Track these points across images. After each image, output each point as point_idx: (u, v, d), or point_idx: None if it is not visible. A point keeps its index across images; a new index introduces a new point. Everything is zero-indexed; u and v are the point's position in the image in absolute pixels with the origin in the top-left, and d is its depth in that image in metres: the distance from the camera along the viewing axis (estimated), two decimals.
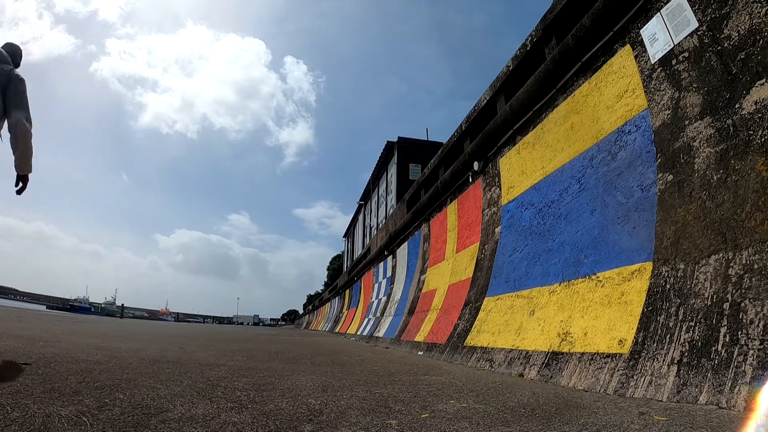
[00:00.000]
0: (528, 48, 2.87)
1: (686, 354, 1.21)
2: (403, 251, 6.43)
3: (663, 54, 1.72)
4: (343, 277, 15.40)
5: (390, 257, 7.29)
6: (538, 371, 1.81)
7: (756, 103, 1.29)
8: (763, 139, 1.25)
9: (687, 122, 1.55)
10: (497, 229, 3.06)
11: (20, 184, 1.92)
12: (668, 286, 1.41)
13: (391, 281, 6.84)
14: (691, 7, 1.59)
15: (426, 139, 17.04)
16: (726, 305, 1.17)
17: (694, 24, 1.57)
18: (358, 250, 19.85)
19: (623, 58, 1.97)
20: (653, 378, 1.26)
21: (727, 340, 1.11)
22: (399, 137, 16.08)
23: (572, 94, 2.35)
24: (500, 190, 3.17)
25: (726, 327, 1.14)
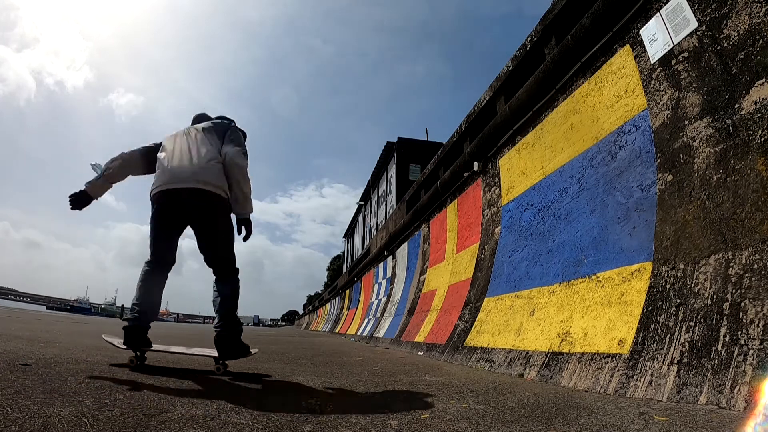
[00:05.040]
0: (527, 48, 2.87)
1: (686, 354, 1.21)
2: (403, 251, 6.43)
3: (662, 54, 1.72)
4: (343, 277, 15.40)
5: (390, 257, 7.29)
6: (538, 371, 1.81)
7: (756, 102, 1.29)
8: (762, 139, 1.25)
9: (687, 122, 1.55)
10: (497, 230, 3.06)
11: (243, 230, 1.84)
12: (668, 286, 1.41)
13: (391, 282, 6.83)
14: (691, 8, 1.59)
15: (426, 139, 17.05)
16: (726, 305, 1.17)
17: (694, 24, 1.57)
18: (358, 251, 19.86)
19: (623, 58, 1.97)
20: (653, 378, 1.26)
21: (727, 340, 1.11)
22: (399, 137, 16.09)
23: (572, 95, 2.35)
24: (500, 190, 3.17)
25: (726, 327, 1.14)
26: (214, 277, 1.86)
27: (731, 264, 1.22)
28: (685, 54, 1.61)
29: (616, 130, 1.95)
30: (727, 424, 0.91)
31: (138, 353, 1.73)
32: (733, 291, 1.17)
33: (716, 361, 1.11)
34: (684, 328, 1.26)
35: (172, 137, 1.92)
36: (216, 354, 1.80)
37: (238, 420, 0.93)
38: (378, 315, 6.81)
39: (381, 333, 5.79)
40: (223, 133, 1.92)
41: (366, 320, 7.77)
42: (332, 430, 0.89)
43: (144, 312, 1.73)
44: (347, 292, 12.92)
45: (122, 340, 1.75)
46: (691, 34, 1.59)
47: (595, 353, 1.57)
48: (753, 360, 1.03)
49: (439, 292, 4.05)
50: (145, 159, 1.94)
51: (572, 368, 1.63)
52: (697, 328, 1.22)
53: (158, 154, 1.87)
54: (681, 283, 1.37)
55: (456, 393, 1.43)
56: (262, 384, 1.50)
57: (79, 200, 1.83)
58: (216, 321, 1.75)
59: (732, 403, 1.01)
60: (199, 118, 2.07)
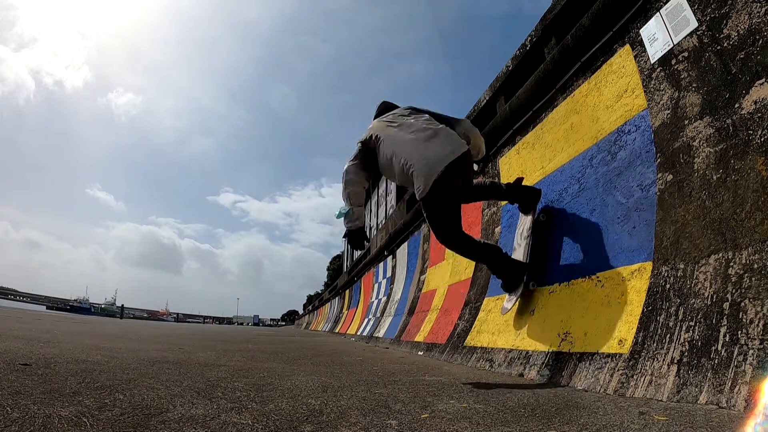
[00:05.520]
0: (527, 48, 2.87)
1: (686, 354, 1.21)
2: (402, 251, 6.43)
3: (662, 54, 1.72)
4: (343, 277, 15.40)
5: (390, 257, 7.29)
6: (538, 371, 1.81)
7: (755, 102, 1.29)
8: (762, 139, 1.25)
9: (686, 122, 1.55)
10: (497, 229, 3.06)
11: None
12: (668, 285, 1.41)
13: (391, 281, 6.83)
14: (691, 7, 1.59)
15: None
16: (726, 305, 1.17)
17: (694, 24, 1.57)
18: (358, 251, 19.83)
19: (623, 57, 1.97)
20: (653, 378, 1.26)
21: (727, 339, 1.12)
22: None
23: (572, 94, 2.35)
24: None
25: (726, 326, 1.14)
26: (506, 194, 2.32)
27: (731, 264, 1.22)
28: (685, 54, 1.61)
29: (616, 130, 1.95)
30: (727, 423, 0.91)
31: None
32: (733, 291, 1.17)
33: (716, 361, 1.11)
34: (684, 328, 1.26)
35: (382, 139, 2.04)
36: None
37: (238, 420, 0.93)
38: (378, 315, 6.81)
39: (381, 333, 5.79)
40: (420, 111, 2.15)
41: (366, 320, 7.78)
42: (332, 430, 0.89)
43: (500, 257, 2.12)
44: (347, 291, 12.92)
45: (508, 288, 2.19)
46: (691, 34, 1.59)
47: (594, 353, 1.57)
48: (753, 360, 1.03)
49: (439, 291, 4.05)
50: (366, 172, 2.10)
51: (572, 368, 1.63)
52: (697, 327, 1.22)
53: (385, 162, 2.02)
54: (681, 282, 1.37)
55: (456, 393, 1.44)
56: (261, 383, 1.50)
57: (358, 237, 2.06)
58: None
59: (732, 403, 1.01)
60: (388, 106, 2.31)
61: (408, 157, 1.93)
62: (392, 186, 15.49)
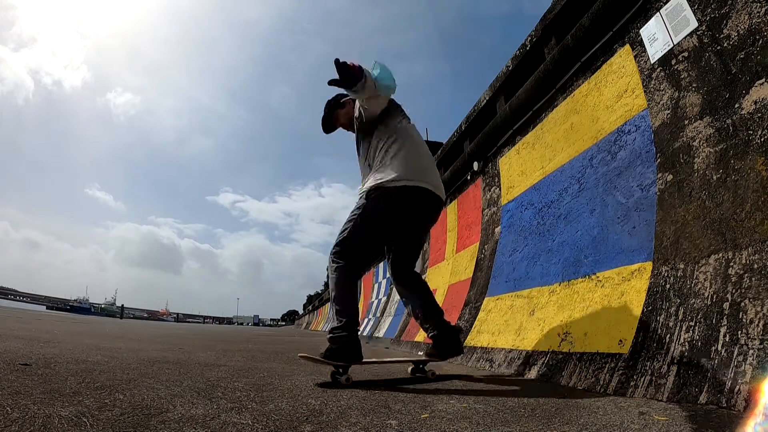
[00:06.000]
0: (527, 48, 2.87)
1: (686, 354, 1.21)
2: None
3: (662, 54, 1.72)
4: None
5: None
6: (538, 371, 1.81)
7: (755, 102, 1.29)
8: (762, 139, 1.25)
9: (686, 122, 1.55)
10: (497, 229, 3.06)
11: None
12: (668, 285, 1.41)
13: (392, 281, 6.83)
14: (691, 7, 1.59)
15: (426, 139, 17.03)
16: (726, 305, 1.17)
17: (694, 24, 1.57)
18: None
19: (623, 58, 1.97)
20: (653, 378, 1.26)
21: (727, 339, 1.12)
22: None
23: (572, 94, 2.35)
24: (500, 190, 3.17)
25: (726, 327, 1.14)
26: (410, 281, 1.95)
27: (731, 264, 1.22)
28: (685, 54, 1.61)
29: (616, 130, 1.95)
30: (727, 424, 0.91)
31: (342, 370, 1.64)
32: (733, 291, 1.17)
33: (716, 361, 1.11)
34: (684, 328, 1.26)
35: (407, 121, 1.86)
36: (419, 358, 1.91)
37: (238, 420, 0.93)
38: (378, 315, 6.81)
39: (381, 333, 5.79)
40: None
41: (366, 320, 7.77)
42: (332, 430, 0.89)
43: (357, 323, 1.71)
44: None
45: (332, 355, 1.65)
46: (691, 34, 1.59)
47: (595, 353, 1.57)
48: (753, 360, 1.03)
49: (439, 291, 4.05)
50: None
51: (572, 368, 1.63)
52: (697, 327, 1.22)
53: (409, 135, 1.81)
54: (681, 282, 1.37)
55: (456, 393, 1.44)
56: (261, 383, 1.50)
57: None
58: (438, 323, 1.85)
59: (732, 403, 1.01)
60: None
61: (421, 150, 1.82)
62: None
